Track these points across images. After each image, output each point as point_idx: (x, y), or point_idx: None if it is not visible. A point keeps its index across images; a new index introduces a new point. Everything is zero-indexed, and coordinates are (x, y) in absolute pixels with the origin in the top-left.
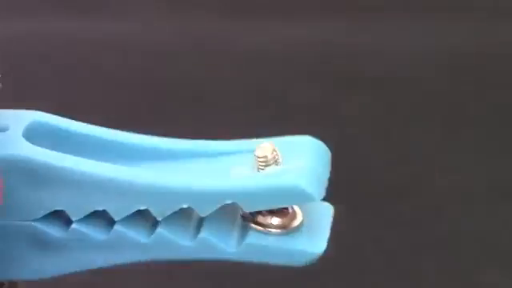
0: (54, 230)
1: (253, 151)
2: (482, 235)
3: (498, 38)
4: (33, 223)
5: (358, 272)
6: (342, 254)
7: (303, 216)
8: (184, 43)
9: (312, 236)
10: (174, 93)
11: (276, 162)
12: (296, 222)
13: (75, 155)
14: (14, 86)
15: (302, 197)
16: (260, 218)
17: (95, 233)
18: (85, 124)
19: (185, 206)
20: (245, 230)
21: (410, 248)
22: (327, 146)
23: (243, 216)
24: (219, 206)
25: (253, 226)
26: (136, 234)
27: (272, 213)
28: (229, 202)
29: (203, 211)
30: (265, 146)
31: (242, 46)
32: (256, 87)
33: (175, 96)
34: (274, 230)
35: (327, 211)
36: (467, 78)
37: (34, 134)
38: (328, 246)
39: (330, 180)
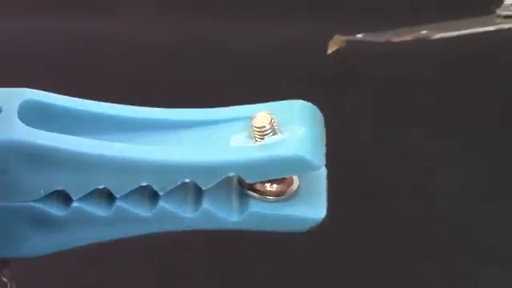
0: (54, 209)
1: (249, 118)
2: (481, 235)
3: (497, 38)
4: (33, 203)
5: (357, 272)
6: (341, 254)
7: (299, 180)
8: (184, 43)
9: (311, 201)
10: (173, 93)
11: (274, 131)
12: (293, 188)
13: (71, 132)
14: (14, 85)
15: (305, 167)
16: (258, 186)
17: (96, 210)
18: (77, 99)
19: (187, 180)
20: (244, 198)
21: (410, 248)
22: (327, 146)
23: (240, 183)
24: (221, 178)
25: (251, 193)
26: (138, 209)
27: (270, 180)
28: (231, 174)
29: (205, 184)
30: (263, 116)
31: (241, 46)
32: (256, 87)
33: (175, 96)
34: (272, 197)
35: (321, 174)
36: (467, 77)
37: (27, 114)
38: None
39: (330, 180)
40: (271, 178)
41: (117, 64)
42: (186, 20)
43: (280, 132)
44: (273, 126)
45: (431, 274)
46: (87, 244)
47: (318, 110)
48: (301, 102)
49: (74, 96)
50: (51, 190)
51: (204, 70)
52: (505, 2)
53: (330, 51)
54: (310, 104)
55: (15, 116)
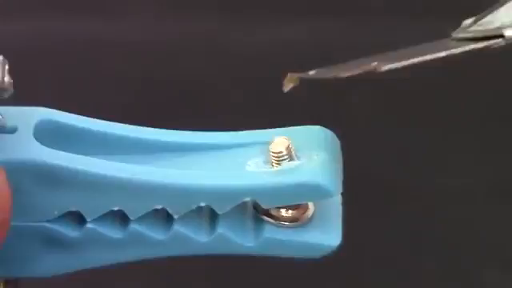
0: (68, 230)
1: (266, 142)
2: (481, 235)
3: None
4: (47, 224)
5: (357, 272)
6: (341, 254)
7: (314, 206)
8: (184, 43)
9: (326, 228)
10: (173, 93)
11: (291, 157)
12: (308, 214)
13: (86, 152)
14: (14, 86)
15: (321, 193)
16: (273, 211)
17: (110, 232)
18: (93, 119)
19: (202, 204)
20: (258, 222)
21: (410, 248)
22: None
23: (255, 208)
24: (237, 203)
25: (266, 218)
26: (152, 232)
27: (285, 206)
28: (247, 199)
29: (221, 209)
30: (280, 141)
31: (241, 46)
32: (256, 87)
33: (175, 96)
34: (287, 223)
35: (335, 200)
36: (467, 77)
37: (43, 133)
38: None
39: None
40: (287, 203)
41: (116, 64)
42: (186, 20)
43: (297, 158)
44: (290, 151)
45: (431, 274)
46: (100, 266)
47: (335, 137)
48: (318, 127)
49: (74, 96)
50: (65, 211)
51: (204, 70)
52: (462, 24)
53: (285, 89)
54: (327, 130)
55: (31, 135)
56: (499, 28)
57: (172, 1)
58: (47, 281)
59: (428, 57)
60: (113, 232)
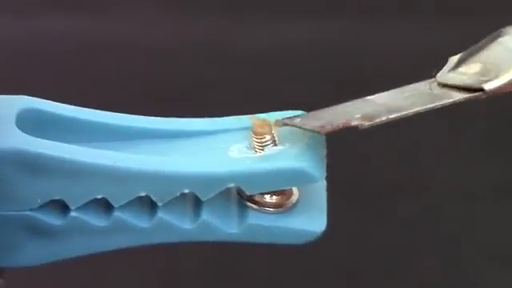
0: (51, 219)
1: (249, 128)
2: (481, 235)
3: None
4: (30, 213)
5: (357, 272)
6: (341, 254)
7: (299, 192)
8: (184, 43)
9: (311, 214)
10: (173, 93)
11: (274, 142)
12: (293, 200)
13: (69, 140)
14: (14, 85)
15: (306, 179)
16: (257, 197)
17: (94, 220)
18: (75, 107)
19: (186, 190)
20: (243, 209)
21: (410, 248)
22: (326, 146)
23: (239, 194)
24: (221, 190)
25: (250, 205)
26: (136, 220)
27: (269, 192)
28: (231, 185)
29: (205, 195)
30: (263, 127)
31: (241, 46)
32: (256, 87)
33: (175, 96)
34: (271, 209)
35: (321, 186)
36: None
37: (25, 122)
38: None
39: (331, 180)
40: (271, 189)
41: (116, 64)
42: (187, 20)
43: (280, 143)
44: (273, 136)
45: (431, 274)
46: (85, 254)
47: None
48: (301, 112)
49: (74, 96)
50: (48, 199)
51: (204, 70)
52: (449, 61)
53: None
54: None
55: (13, 123)
56: (480, 81)
57: (172, 1)
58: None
59: (410, 111)
60: (97, 220)
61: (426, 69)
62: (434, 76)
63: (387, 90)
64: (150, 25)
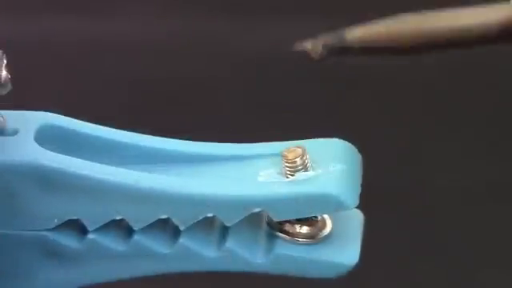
0: (68, 241)
1: (280, 154)
2: (481, 235)
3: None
4: (46, 233)
5: (357, 272)
6: None
7: (332, 224)
8: (184, 43)
9: (343, 246)
10: (174, 92)
11: (305, 168)
12: (325, 231)
13: (89, 159)
14: (13, 85)
15: (335, 205)
16: (287, 227)
17: (113, 243)
18: (98, 126)
19: (209, 214)
20: (271, 239)
21: (410, 248)
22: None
23: (269, 224)
24: (246, 214)
25: (280, 235)
26: (157, 245)
27: (300, 221)
28: (257, 210)
29: (229, 220)
30: (294, 151)
31: (241, 46)
32: (257, 87)
33: (175, 96)
34: (302, 240)
35: (357, 218)
36: (467, 77)
37: (45, 138)
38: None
39: None
40: (300, 216)
41: (116, 64)
42: (186, 20)
43: (312, 169)
44: (305, 162)
45: (431, 274)
46: (101, 281)
47: (355, 150)
48: (337, 140)
49: (74, 96)
50: (65, 219)
51: (204, 70)
52: None
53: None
54: (347, 142)
55: (31, 138)
56: None
57: (172, 1)
58: None
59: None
60: (115, 244)
61: (425, 69)
62: None
63: (387, 90)
64: (150, 25)
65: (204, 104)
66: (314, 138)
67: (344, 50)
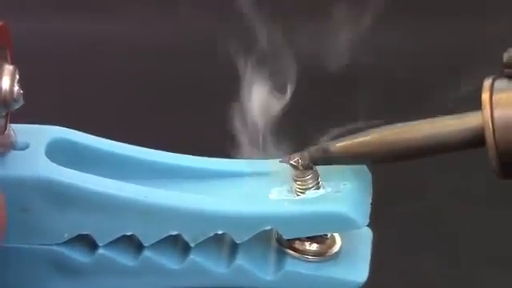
0: (78, 255)
1: (291, 171)
2: (481, 235)
3: (497, 38)
4: (56, 248)
5: None
6: None
7: (342, 241)
8: (184, 43)
9: (352, 263)
10: (173, 92)
11: (316, 186)
12: (335, 249)
13: (100, 174)
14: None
15: (346, 224)
16: (297, 244)
17: (123, 258)
18: (109, 140)
19: (220, 231)
20: (281, 255)
21: (410, 248)
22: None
23: (279, 241)
24: (257, 232)
25: (289, 252)
26: (167, 261)
27: (310, 238)
28: (267, 228)
29: (240, 237)
30: (305, 170)
31: (241, 46)
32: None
33: (175, 96)
34: (311, 257)
35: (366, 236)
36: (468, 77)
37: (56, 152)
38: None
39: None
40: (309, 234)
41: (116, 64)
42: (186, 20)
43: (323, 187)
44: (315, 180)
45: (431, 274)
46: None
47: (366, 169)
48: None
49: (74, 96)
50: (76, 234)
51: (204, 70)
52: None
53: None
54: None
55: (42, 153)
56: None
57: (172, 1)
58: None
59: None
60: (125, 259)
61: (425, 69)
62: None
63: (387, 89)
64: (150, 25)
65: (204, 104)
66: (315, 141)
67: (328, 160)
